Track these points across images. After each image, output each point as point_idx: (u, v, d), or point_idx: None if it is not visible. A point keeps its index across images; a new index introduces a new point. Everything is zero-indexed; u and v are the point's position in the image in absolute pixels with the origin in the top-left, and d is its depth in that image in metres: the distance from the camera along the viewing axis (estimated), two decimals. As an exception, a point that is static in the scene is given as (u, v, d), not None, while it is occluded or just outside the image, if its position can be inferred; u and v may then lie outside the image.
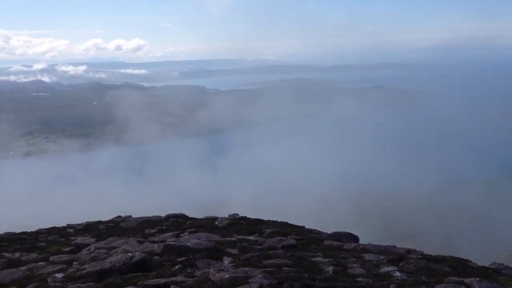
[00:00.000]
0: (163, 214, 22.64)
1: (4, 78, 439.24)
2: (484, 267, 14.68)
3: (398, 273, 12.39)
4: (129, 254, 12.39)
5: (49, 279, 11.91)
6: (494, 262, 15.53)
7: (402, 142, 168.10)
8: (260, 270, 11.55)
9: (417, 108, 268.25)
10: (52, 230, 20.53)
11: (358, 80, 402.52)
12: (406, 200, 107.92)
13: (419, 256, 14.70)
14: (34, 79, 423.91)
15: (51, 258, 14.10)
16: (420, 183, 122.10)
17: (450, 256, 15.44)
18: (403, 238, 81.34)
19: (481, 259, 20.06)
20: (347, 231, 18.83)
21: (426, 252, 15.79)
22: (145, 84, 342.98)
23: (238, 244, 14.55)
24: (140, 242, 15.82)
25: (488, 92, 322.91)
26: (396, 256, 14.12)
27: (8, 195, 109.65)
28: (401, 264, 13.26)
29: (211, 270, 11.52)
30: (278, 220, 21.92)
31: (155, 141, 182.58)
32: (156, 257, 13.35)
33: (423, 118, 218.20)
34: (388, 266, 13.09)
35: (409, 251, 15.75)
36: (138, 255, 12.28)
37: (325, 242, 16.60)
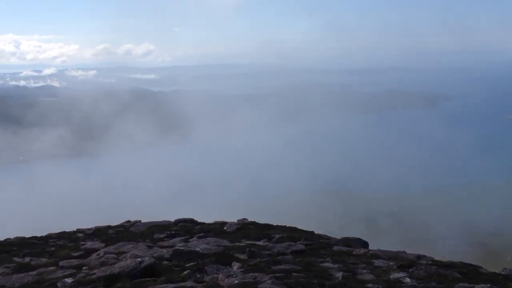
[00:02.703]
0: (172, 219, 22.67)
1: (14, 83, 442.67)
2: (494, 273, 14.58)
3: (408, 279, 12.31)
4: (138, 259, 12.41)
5: (58, 284, 11.95)
6: (505, 268, 15.42)
7: (413, 146, 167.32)
8: (269, 275, 11.52)
9: (429, 111, 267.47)
10: (62, 235, 20.59)
11: (368, 84, 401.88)
12: (416, 204, 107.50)
13: (429, 262, 14.62)
14: (44, 84, 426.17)
15: (60, 263, 14.15)
16: (431, 187, 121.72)
17: (461, 262, 15.35)
18: (413, 244, 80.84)
19: (492, 265, 19.93)
20: (357, 236, 18.78)
21: (436, 258, 15.70)
22: (154, 89, 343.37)
23: (247, 249, 14.52)
24: (149, 247, 15.85)
25: (499, 95, 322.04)
26: (406, 262, 14.05)
27: (18, 200, 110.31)
28: (411, 270, 13.19)
29: (220, 276, 11.51)
30: (287, 225, 21.89)
31: (158, 145, 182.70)
32: (165, 262, 13.35)
33: (435, 121, 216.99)
34: (398, 272, 13.02)
35: (419, 256, 15.67)
36: (147, 260, 12.30)
37: (334, 248, 16.54)
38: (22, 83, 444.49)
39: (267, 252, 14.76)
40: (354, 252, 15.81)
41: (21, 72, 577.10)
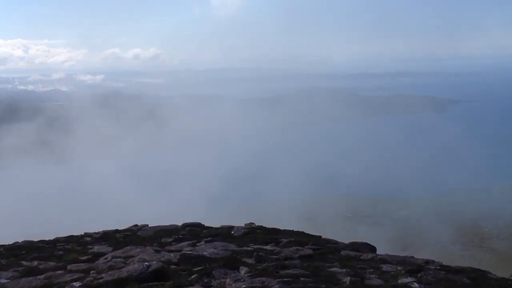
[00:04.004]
0: (179, 223, 22.72)
1: (23, 87, 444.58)
2: (503, 278, 14.49)
3: (416, 284, 12.24)
4: (146, 263, 12.42)
5: (66, 288, 11.99)
6: (514, 274, 15.33)
7: (421, 150, 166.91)
8: (276, 280, 11.50)
9: (437, 115, 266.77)
10: (70, 239, 20.67)
11: (376, 88, 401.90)
12: (424, 209, 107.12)
13: (438, 267, 14.54)
14: (53, 88, 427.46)
15: (68, 267, 14.19)
16: (440, 191, 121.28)
17: (469, 267, 15.27)
18: (421, 248, 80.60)
19: (501, 270, 19.82)
20: (364, 241, 18.73)
21: (445, 263, 15.62)
22: (162, 93, 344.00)
23: (254, 253, 14.51)
24: (157, 251, 15.85)
25: (507, 99, 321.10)
26: (414, 267, 13.97)
27: (26, 203, 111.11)
28: (419, 275, 13.12)
29: (228, 280, 11.50)
30: (295, 230, 21.85)
31: (162, 149, 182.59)
32: (173, 266, 13.35)
33: (444, 125, 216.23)
34: (406, 277, 12.95)
35: (427, 261, 15.59)
36: (155, 264, 12.31)
37: (342, 252, 16.49)
38: (30, 87, 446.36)
39: (274, 256, 14.75)
40: (362, 257, 15.75)
41: (30, 77, 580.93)
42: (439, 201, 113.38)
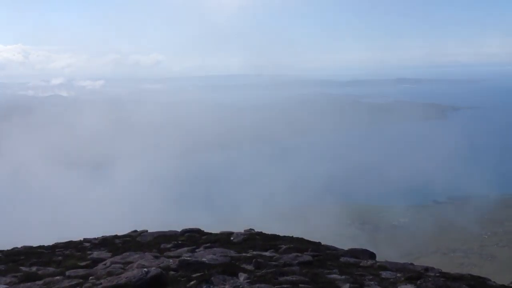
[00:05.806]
0: (179, 229, 22.64)
1: (23, 92, 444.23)
2: (503, 285, 14.44)
3: (415, 291, 12.21)
4: (145, 269, 12.38)
5: (65, 294, 11.96)
6: (513, 281, 15.29)
7: (421, 157, 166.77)
8: (275, 287, 11.48)
9: (439, 122, 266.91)
10: (69, 244, 20.59)
11: (377, 95, 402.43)
12: (425, 216, 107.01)
13: (437, 274, 14.49)
14: (52, 93, 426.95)
15: (67, 273, 14.15)
16: (440, 199, 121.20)
17: (469, 274, 15.22)
18: (421, 256, 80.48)
19: (501, 278, 19.76)
20: (364, 247, 18.69)
21: (444, 270, 15.58)
22: (162, 99, 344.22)
23: (253, 260, 14.46)
24: (156, 257, 15.81)
25: (506, 106, 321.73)
26: (414, 274, 13.93)
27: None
28: (418, 282, 13.07)
29: (227, 286, 11.47)
30: (294, 236, 21.79)
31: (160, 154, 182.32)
32: (172, 272, 13.31)
33: (444, 133, 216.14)
34: (406, 284, 12.91)
35: (427, 269, 15.54)
36: (153, 271, 12.27)
37: (342, 259, 16.43)
38: (30, 92, 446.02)
39: (273, 263, 14.70)
40: (361, 264, 15.70)
41: (29, 82, 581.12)
42: (439, 208, 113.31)
